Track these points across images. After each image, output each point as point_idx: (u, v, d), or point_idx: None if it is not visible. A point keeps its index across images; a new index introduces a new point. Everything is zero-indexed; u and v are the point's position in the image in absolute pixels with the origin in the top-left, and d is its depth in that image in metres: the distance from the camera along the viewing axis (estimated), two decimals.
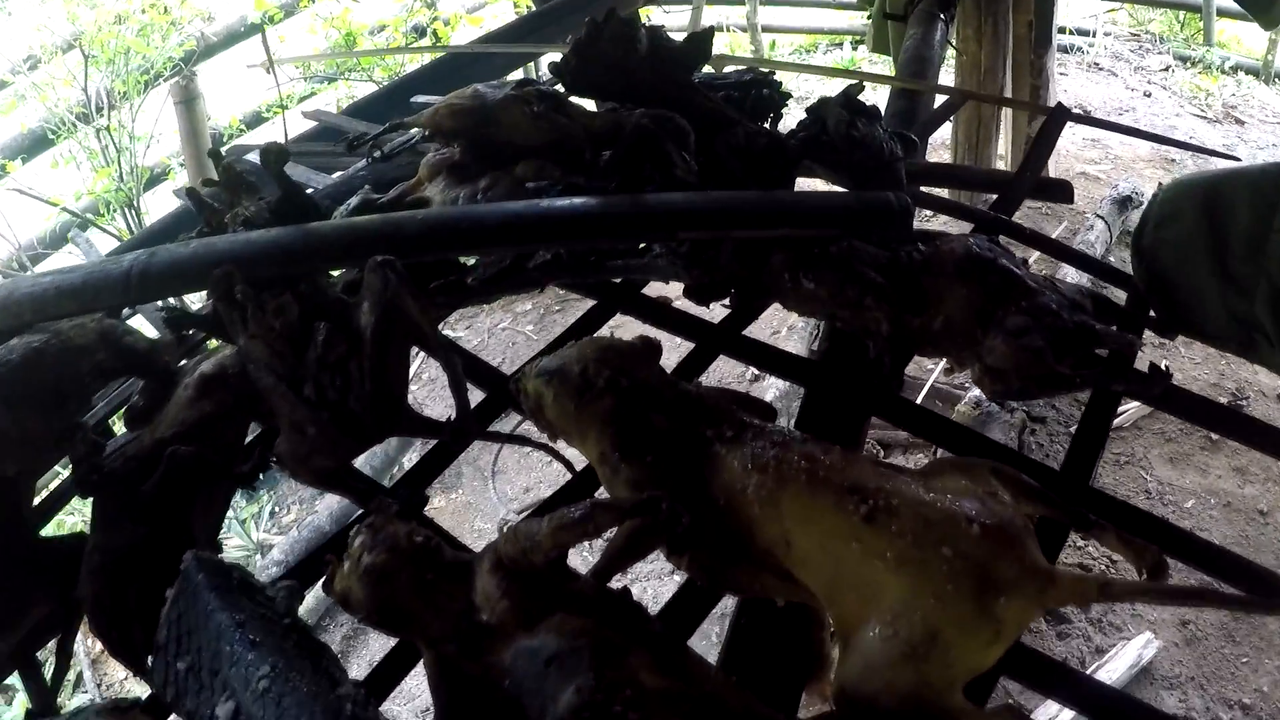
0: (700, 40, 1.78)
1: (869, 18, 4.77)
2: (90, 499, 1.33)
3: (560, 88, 1.78)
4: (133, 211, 5.27)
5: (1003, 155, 5.43)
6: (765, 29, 8.57)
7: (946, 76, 4.85)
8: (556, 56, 1.77)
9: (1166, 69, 7.71)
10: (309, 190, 2.06)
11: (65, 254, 5.51)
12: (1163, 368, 1.38)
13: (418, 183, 1.68)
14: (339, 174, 2.16)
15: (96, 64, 5.48)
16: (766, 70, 1.98)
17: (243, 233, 1.47)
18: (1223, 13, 7.65)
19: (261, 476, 1.42)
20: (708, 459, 1.11)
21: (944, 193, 3.56)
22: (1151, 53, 8.03)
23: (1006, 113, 5.13)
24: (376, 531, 1.07)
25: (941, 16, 3.30)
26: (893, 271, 1.43)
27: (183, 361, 1.56)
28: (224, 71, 5.97)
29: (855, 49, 8.51)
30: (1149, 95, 7.36)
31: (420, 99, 2.52)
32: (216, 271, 1.31)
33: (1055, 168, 5.92)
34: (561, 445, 1.31)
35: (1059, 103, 2.16)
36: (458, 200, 1.57)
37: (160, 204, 5.61)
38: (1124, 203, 5.37)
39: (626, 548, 1.05)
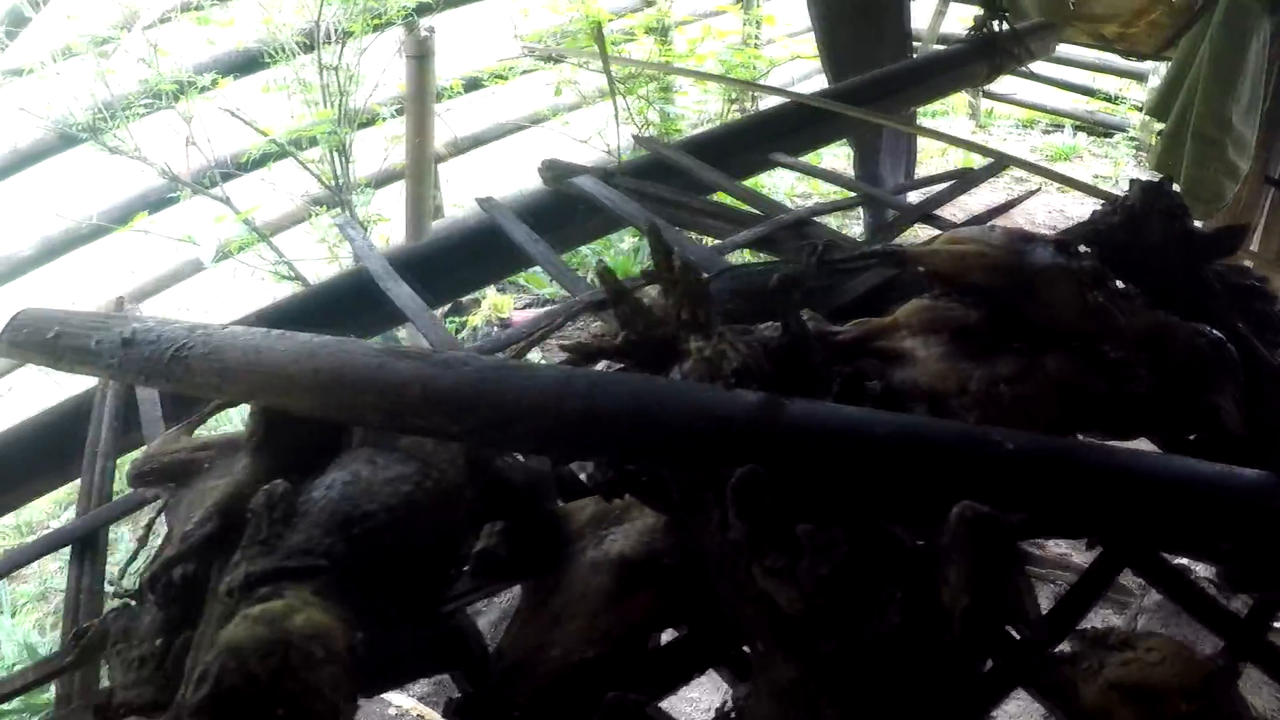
0: (1234, 236, 1.44)
1: (1158, 134, 4.40)
2: None
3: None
4: (341, 157, 5.06)
5: None
6: (987, 95, 8.19)
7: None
8: None
9: None
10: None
11: (257, 180, 5.35)
12: None
13: (892, 327, 1.35)
14: (712, 242, 1.84)
15: None
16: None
17: (744, 394, 1.02)
18: None
19: None
20: None
21: None
22: None
23: None
24: None
25: None
26: None
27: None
28: (460, 25, 5.74)
29: (1075, 135, 8.09)
30: None
31: (781, 159, 2.23)
32: (742, 472, 0.92)
33: None
34: None
35: None
36: (967, 383, 1.24)
37: (366, 150, 5.42)
38: None
39: None
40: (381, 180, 5.48)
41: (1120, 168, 7.38)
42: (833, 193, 4.67)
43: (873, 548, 0.95)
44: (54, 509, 4.69)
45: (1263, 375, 1.36)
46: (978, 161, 3.56)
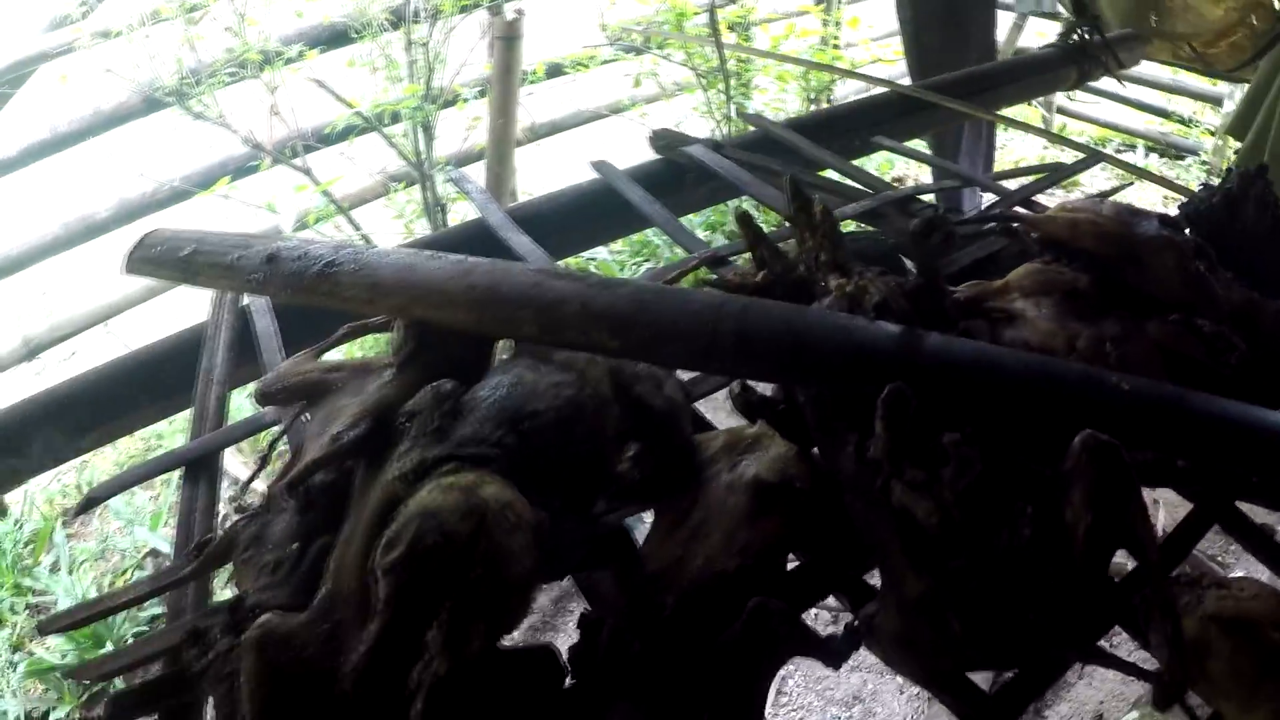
0: None
1: (1236, 153, 4.40)
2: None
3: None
4: (426, 133, 5.15)
5: None
6: (1060, 110, 8.16)
7: None
8: None
9: None
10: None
11: (337, 153, 5.44)
12: None
13: (1003, 289, 1.41)
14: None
15: None
16: None
17: (886, 325, 1.09)
18: None
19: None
20: None
21: None
22: None
23: None
24: None
25: None
26: None
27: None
28: (545, 10, 5.80)
29: (1147, 156, 8.03)
30: None
31: (885, 142, 2.29)
32: (892, 388, 1.00)
33: None
34: None
35: None
36: (1075, 340, 1.30)
37: (446, 130, 5.50)
38: None
39: None
40: (460, 161, 5.56)
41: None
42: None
43: (1002, 470, 1.01)
44: (112, 470, 4.79)
45: None
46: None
